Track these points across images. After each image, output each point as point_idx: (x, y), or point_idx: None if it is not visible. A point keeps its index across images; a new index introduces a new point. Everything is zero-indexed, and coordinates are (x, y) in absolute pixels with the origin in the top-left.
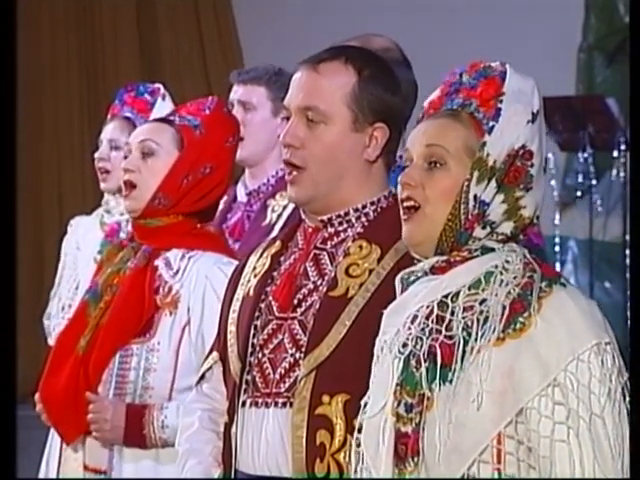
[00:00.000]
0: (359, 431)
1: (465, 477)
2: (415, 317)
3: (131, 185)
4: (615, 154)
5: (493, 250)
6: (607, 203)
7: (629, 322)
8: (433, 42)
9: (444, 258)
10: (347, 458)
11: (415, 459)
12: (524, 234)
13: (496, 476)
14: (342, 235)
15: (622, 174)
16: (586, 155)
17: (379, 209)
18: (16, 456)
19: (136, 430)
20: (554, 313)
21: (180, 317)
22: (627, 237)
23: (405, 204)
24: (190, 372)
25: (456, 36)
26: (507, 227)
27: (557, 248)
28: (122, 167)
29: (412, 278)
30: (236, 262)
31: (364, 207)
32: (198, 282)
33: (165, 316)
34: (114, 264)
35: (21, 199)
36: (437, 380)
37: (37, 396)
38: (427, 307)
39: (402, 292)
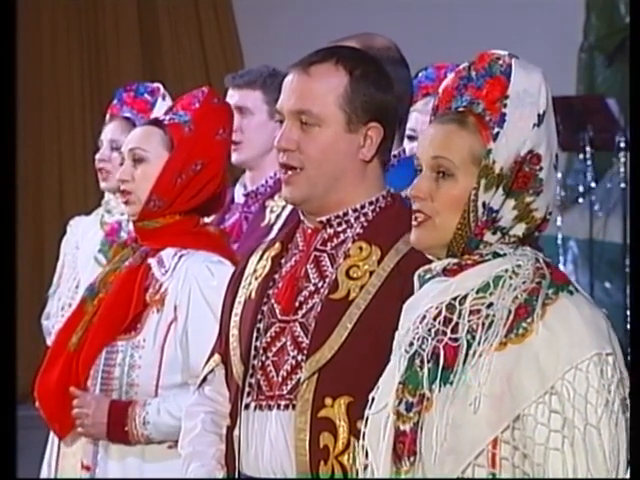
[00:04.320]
0: (365, 425)
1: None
2: (424, 317)
3: (127, 193)
4: (615, 154)
5: (505, 255)
6: (607, 203)
7: (629, 322)
8: (432, 41)
9: (456, 261)
10: (351, 460)
11: (411, 458)
12: (539, 231)
13: None
14: (342, 236)
15: (622, 174)
16: (586, 155)
17: (378, 209)
18: (16, 456)
19: (118, 426)
20: (556, 321)
21: (166, 314)
22: (627, 237)
23: (416, 215)
24: (175, 369)
25: (456, 35)
26: (519, 229)
27: (557, 249)
28: (117, 178)
29: (428, 276)
30: (228, 262)
31: (363, 207)
32: (186, 280)
33: (152, 313)
34: (113, 263)
35: (22, 199)
36: (438, 381)
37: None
38: (436, 308)
39: (419, 289)
